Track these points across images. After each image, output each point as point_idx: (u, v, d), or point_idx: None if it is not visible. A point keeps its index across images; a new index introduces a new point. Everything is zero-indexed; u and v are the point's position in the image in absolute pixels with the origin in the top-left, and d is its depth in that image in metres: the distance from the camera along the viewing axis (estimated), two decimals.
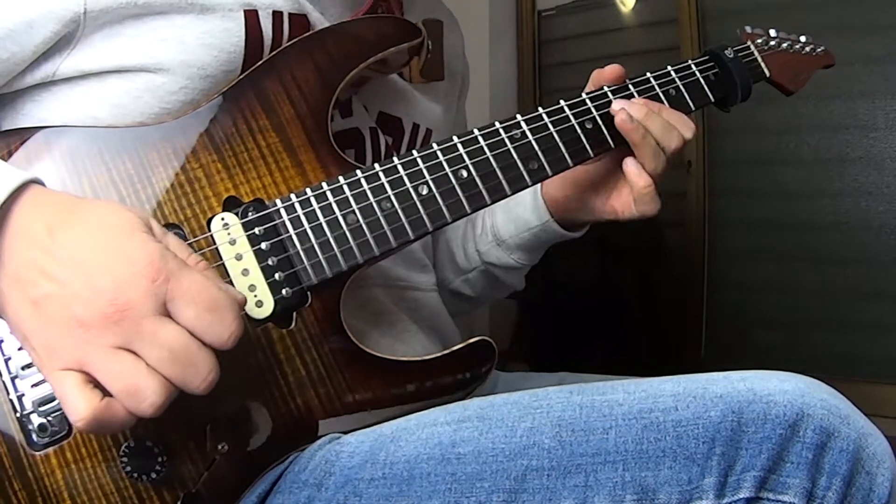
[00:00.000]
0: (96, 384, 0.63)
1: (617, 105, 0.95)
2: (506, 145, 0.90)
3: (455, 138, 0.88)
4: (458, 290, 1.20)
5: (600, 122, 0.95)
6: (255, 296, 0.79)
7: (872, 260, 2.37)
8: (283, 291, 0.80)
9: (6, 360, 0.74)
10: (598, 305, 2.40)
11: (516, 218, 1.11)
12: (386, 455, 0.76)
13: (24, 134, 0.81)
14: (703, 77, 1.03)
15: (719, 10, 2.60)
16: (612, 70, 1.00)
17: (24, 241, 0.66)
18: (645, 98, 0.98)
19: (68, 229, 0.66)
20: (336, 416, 0.83)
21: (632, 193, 0.97)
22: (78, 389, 0.63)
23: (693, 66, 1.03)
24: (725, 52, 1.05)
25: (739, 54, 1.06)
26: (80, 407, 0.62)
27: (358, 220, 0.83)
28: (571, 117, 0.94)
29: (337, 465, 0.77)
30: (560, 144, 0.92)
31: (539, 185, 1.07)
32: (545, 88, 3.07)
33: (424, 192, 0.85)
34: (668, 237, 2.66)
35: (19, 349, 0.74)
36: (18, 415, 0.74)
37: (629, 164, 0.95)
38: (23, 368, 0.74)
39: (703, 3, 2.60)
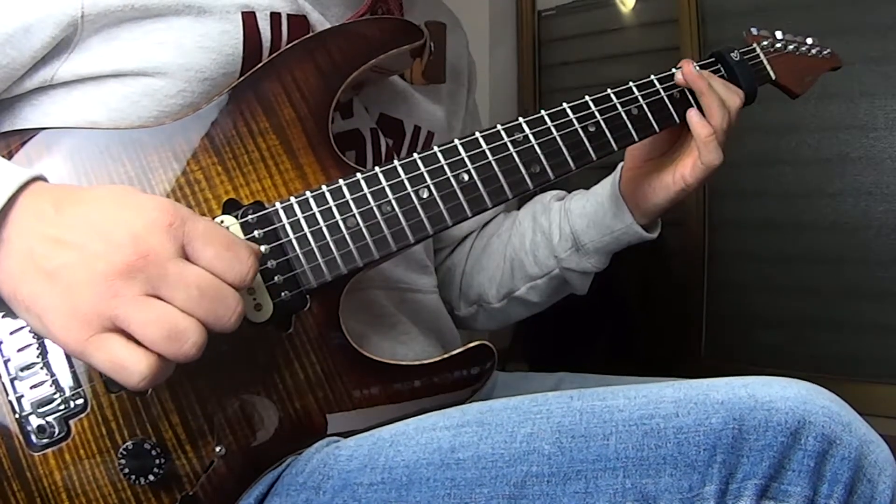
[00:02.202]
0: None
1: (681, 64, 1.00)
2: (508, 149, 0.89)
3: (456, 141, 0.88)
4: (524, 297, 1.19)
5: (603, 125, 0.95)
6: (254, 299, 0.79)
7: (872, 260, 2.36)
8: (283, 295, 0.80)
9: (5, 362, 0.74)
10: (598, 305, 2.39)
11: (598, 223, 1.11)
12: (385, 460, 0.76)
13: (25, 135, 0.81)
14: None
15: (719, 10, 2.59)
16: None
17: (33, 220, 0.66)
18: (648, 101, 0.98)
19: (76, 204, 0.67)
20: (334, 420, 0.83)
21: (696, 146, 0.99)
22: (128, 350, 0.63)
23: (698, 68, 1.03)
24: (731, 54, 1.05)
25: (745, 56, 1.06)
26: (141, 366, 0.63)
27: (358, 224, 0.82)
28: (574, 120, 0.93)
29: (335, 469, 0.77)
30: (563, 148, 0.92)
31: (617, 187, 1.09)
32: (545, 88, 3.07)
33: (425, 195, 0.85)
34: (668, 237, 2.65)
35: (18, 350, 0.75)
36: (17, 416, 0.74)
37: (693, 114, 0.99)
38: (22, 370, 0.74)
39: (703, 4, 2.60)
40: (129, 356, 0.63)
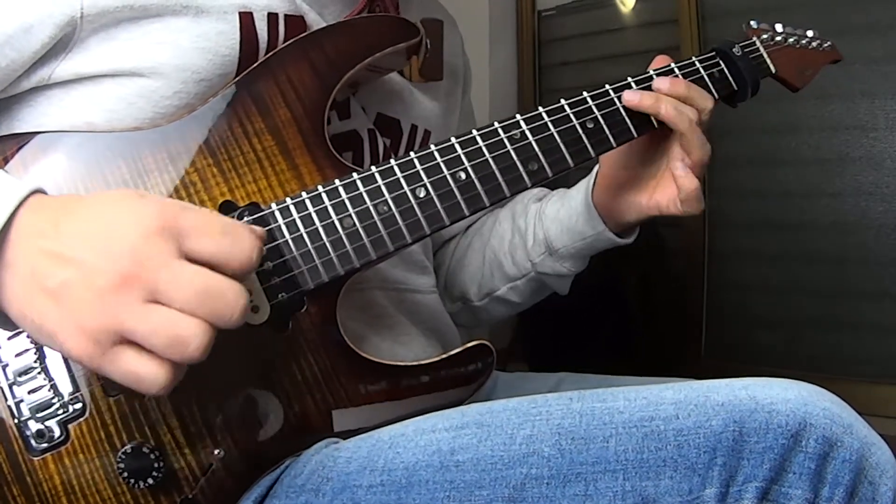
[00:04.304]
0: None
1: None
2: (505, 146, 0.89)
3: (453, 139, 0.87)
4: (505, 297, 1.19)
5: (602, 122, 0.94)
6: (251, 301, 0.79)
7: (872, 260, 2.36)
8: (280, 296, 0.80)
9: (3, 367, 0.74)
10: (598, 305, 2.40)
11: (570, 229, 1.10)
12: (384, 461, 0.76)
13: (21, 140, 0.81)
14: (707, 74, 1.02)
15: (719, 10, 2.59)
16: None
17: (32, 238, 0.66)
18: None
19: (74, 218, 0.67)
20: (333, 421, 0.83)
21: (679, 195, 0.98)
22: (141, 361, 0.64)
23: (697, 63, 1.02)
24: (733, 49, 1.04)
25: (745, 50, 1.05)
26: (156, 375, 0.64)
27: (354, 224, 0.82)
28: (572, 117, 0.93)
29: (334, 471, 0.77)
30: (561, 145, 0.91)
31: (590, 194, 1.08)
32: (545, 88, 3.07)
33: (422, 194, 0.85)
34: (668, 237, 2.66)
35: (16, 355, 0.74)
36: (16, 421, 0.74)
37: (678, 167, 0.97)
38: (20, 375, 0.74)
39: (703, 3, 2.60)
40: (142, 367, 0.64)
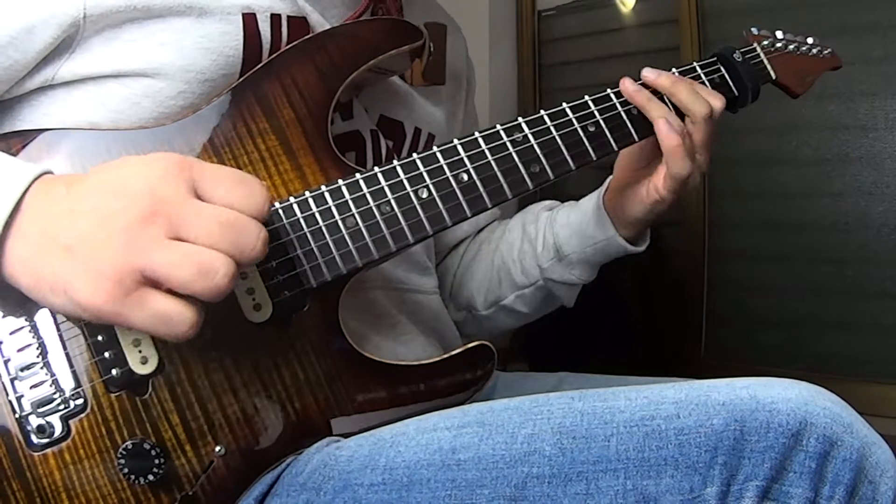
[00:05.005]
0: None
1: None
2: (507, 149, 0.89)
3: (456, 141, 0.88)
4: (511, 306, 1.19)
5: (603, 125, 0.94)
6: (254, 299, 0.79)
7: (872, 260, 2.36)
8: (283, 294, 0.80)
9: (5, 362, 0.75)
10: (598, 305, 2.39)
11: (580, 233, 1.10)
12: (385, 460, 0.76)
13: (26, 136, 0.82)
14: (708, 80, 1.03)
15: (719, 10, 2.59)
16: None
17: (45, 203, 0.67)
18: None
19: (86, 178, 0.68)
20: (334, 420, 0.83)
21: (664, 156, 0.97)
22: (169, 301, 0.64)
23: (698, 68, 1.03)
24: (734, 55, 1.04)
25: (746, 56, 1.05)
26: (187, 314, 0.64)
27: (357, 224, 0.82)
28: (574, 120, 0.93)
29: (335, 469, 0.77)
30: (562, 147, 0.92)
31: (601, 198, 1.08)
32: (545, 88, 3.06)
33: (424, 195, 0.85)
34: (668, 237, 2.66)
35: (18, 350, 0.75)
36: (17, 416, 0.74)
37: (660, 124, 0.96)
38: (22, 370, 0.74)
39: (703, 3, 2.60)
40: (172, 307, 0.64)
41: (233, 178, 0.68)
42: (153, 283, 0.64)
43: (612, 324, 2.57)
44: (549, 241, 1.13)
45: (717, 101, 0.99)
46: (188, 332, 0.64)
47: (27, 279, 0.66)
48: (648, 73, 0.99)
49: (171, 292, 0.64)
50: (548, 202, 1.21)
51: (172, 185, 0.65)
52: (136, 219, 0.63)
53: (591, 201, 1.11)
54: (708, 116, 0.97)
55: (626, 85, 0.97)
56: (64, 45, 0.83)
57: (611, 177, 1.09)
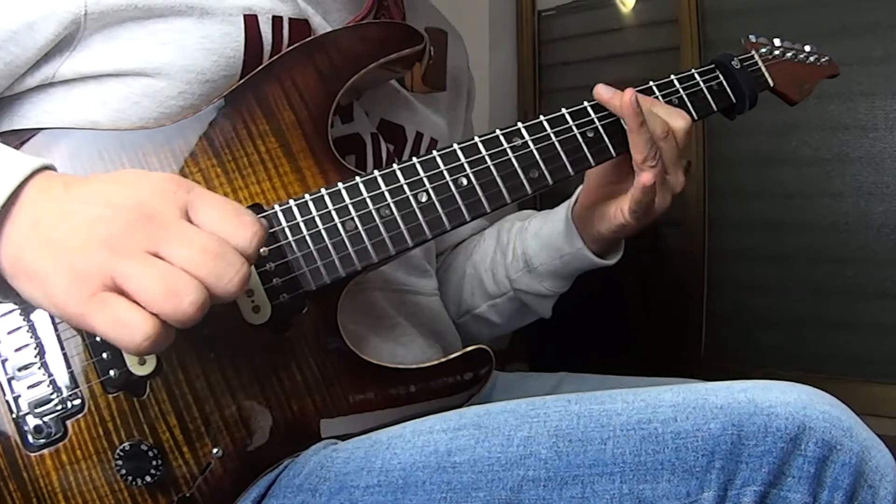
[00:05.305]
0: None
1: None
2: (507, 154, 0.89)
3: (455, 145, 0.88)
4: (485, 316, 1.19)
5: (602, 131, 0.95)
6: (253, 301, 0.79)
7: (872, 260, 2.36)
8: (281, 297, 0.80)
9: (3, 362, 0.75)
10: (598, 305, 2.39)
11: (549, 245, 1.10)
12: (381, 462, 0.76)
13: (24, 135, 0.82)
14: (706, 87, 1.03)
15: (719, 10, 2.58)
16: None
17: (42, 197, 0.67)
18: None
19: (87, 182, 0.67)
20: (332, 422, 0.83)
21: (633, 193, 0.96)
22: (130, 309, 0.60)
23: (696, 75, 1.03)
24: (732, 62, 1.04)
25: (745, 64, 1.05)
26: (144, 325, 0.60)
27: (356, 227, 0.82)
28: (573, 126, 0.93)
29: (332, 471, 0.77)
30: (561, 153, 0.92)
31: (570, 211, 1.07)
32: (545, 88, 3.06)
33: (424, 199, 0.85)
34: (668, 237, 2.66)
35: (16, 350, 0.75)
36: (14, 416, 0.74)
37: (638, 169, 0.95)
38: (19, 370, 0.74)
39: (703, 3, 2.59)
40: (131, 315, 0.60)
41: (228, 208, 0.66)
42: (122, 292, 0.62)
43: (612, 324, 2.57)
44: (517, 252, 1.13)
45: (680, 121, 0.97)
46: (143, 344, 0.60)
47: (8, 264, 0.66)
48: (602, 92, 0.95)
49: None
50: (524, 212, 1.20)
51: (164, 201, 0.64)
52: (121, 227, 0.63)
53: (560, 213, 1.10)
54: (666, 135, 0.95)
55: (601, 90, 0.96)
56: (65, 43, 0.83)
57: (580, 187, 1.08)
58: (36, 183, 0.67)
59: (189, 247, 0.62)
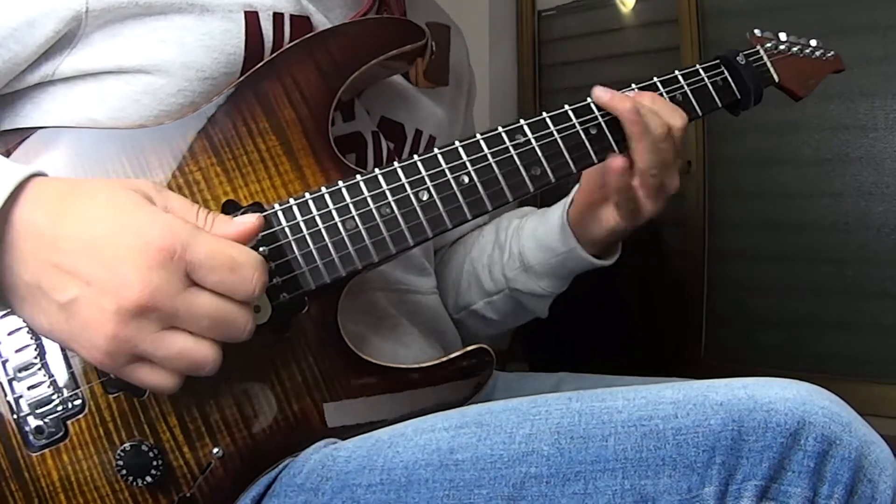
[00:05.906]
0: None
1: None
2: (509, 151, 0.89)
3: (457, 143, 0.87)
4: (482, 312, 1.19)
5: (605, 128, 0.94)
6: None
7: (872, 260, 2.36)
8: (282, 297, 0.80)
9: (3, 363, 0.75)
10: (598, 305, 2.39)
11: (545, 245, 1.10)
12: (383, 461, 0.76)
13: (23, 134, 0.82)
14: (710, 82, 1.02)
15: (719, 10, 2.58)
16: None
17: (31, 242, 0.67)
18: None
19: (71, 217, 0.68)
20: (332, 422, 0.83)
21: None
22: (155, 373, 0.69)
23: (701, 70, 1.02)
24: (737, 57, 1.04)
25: (750, 59, 1.05)
26: (170, 385, 0.69)
27: (357, 226, 0.82)
28: (576, 123, 0.93)
29: (333, 470, 0.77)
30: (564, 150, 0.91)
31: (566, 210, 1.07)
32: (545, 88, 3.06)
33: (425, 197, 0.85)
34: (668, 237, 2.66)
35: (17, 351, 0.75)
36: (15, 416, 0.74)
37: (617, 161, 0.95)
38: (20, 370, 0.75)
39: (703, 3, 2.59)
40: (156, 378, 0.69)
41: (227, 265, 0.68)
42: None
43: (612, 324, 2.57)
44: (514, 251, 1.13)
45: (678, 120, 0.97)
46: (172, 392, 0.70)
47: (23, 312, 0.70)
48: (601, 94, 0.95)
49: None
50: (523, 208, 1.20)
51: (164, 274, 0.66)
52: (130, 308, 0.65)
53: (556, 212, 1.10)
54: (666, 136, 0.95)
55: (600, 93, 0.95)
56: (65, 40, 0.83)
57: (577, 187, 1.08)
58: (25, 203, 0.68)
59: (199, 320, 0.68)
